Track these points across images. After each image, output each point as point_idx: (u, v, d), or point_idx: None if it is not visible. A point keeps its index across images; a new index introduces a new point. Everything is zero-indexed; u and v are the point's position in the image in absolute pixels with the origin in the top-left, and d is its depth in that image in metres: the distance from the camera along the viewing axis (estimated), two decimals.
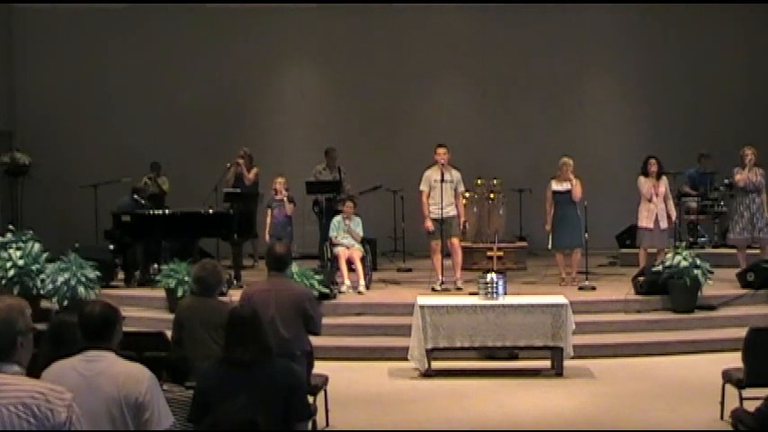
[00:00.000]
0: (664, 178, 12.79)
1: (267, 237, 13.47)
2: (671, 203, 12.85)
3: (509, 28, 16.95)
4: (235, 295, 9.97)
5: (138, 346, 5.99)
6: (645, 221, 12.64)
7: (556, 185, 12.59)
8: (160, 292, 11.66)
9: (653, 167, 12.63)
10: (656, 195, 12.61)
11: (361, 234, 12.79)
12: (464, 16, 17.03)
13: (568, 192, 12.46)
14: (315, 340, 7.54)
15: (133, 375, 4.18)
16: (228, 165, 14.06)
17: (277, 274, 7.22)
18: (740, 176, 12.82)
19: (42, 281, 11.37)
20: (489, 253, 13.71)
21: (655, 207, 12.59)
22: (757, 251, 13.01)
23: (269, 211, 13.85)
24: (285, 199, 13.72)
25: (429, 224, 12.31)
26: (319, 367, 7.96)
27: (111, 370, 4.18)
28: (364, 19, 16.87)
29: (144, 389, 4.14)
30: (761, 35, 17.00)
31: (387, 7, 16.74)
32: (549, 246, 12.67)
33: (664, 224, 12.62)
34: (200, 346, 6.59)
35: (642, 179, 12.68)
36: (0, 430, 3.35)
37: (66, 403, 3.44)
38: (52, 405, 3.41)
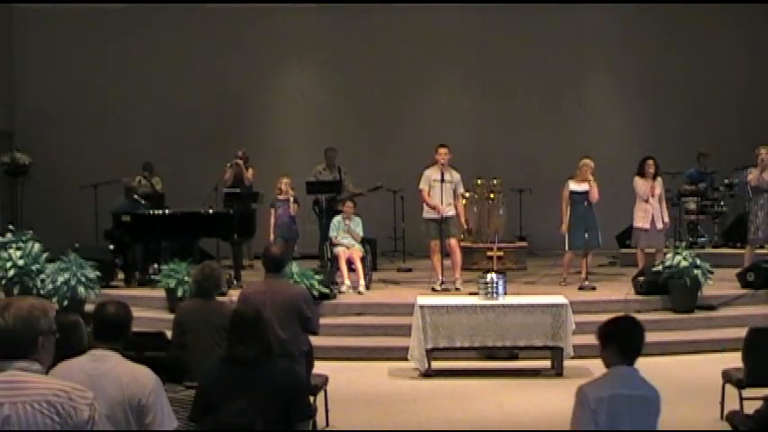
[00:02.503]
0: (659, 179, 12.77)
1: (272, 236, 13.49)
2: (665, 205, 12.83)
3: (509, 28, 16.95)
4: (234, 295, 9.99)
5: (138, 346, 5.99)
6: (641, 222, 12.62)
7: (574, 185, 12.54)
8: (160, 292, 11.66)
9: (651, 168, 12.61)
10: (653, 196, 12.59)
11: (361, 234, 12.79)
12: (464, 16, 17.03)
13: (586, 192, 12.43)
14: (315, 340, 7.55)
15: (137, 377, 4.19)
16: (229, 165, 14.07)
17: (273, 275, 7.24)
18: (752, 176, 12.77)
19: (42, 281, 11.37)
20: (489, 253, 13.70)
21: (651, 208, 12.57)
22: (764, 251, 12.97)
23: (272, 211, 13.86)
24: (291, 199, 13.73)
25: (433, 202, 12.24)
26: (319, 367, 7.96)
27: (116, 371, 4.19)
28: (364, 19, 16.87)
29: (148, 391, 4.14)
30: (761, 35, 17.00)
31: (387, 7, 16.74)
32: (567, 247, 12.63)
33: (659, 224, 12.60)
34: (204, 348, 6.62)
35: (639, 180, 12.64)
36: (24, 429, 3.36)
37: (89, 402, 3.45)
38: (75, 403, 3.42)
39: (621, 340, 4.52)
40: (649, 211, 12.56)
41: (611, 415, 4.34)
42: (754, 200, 12.90)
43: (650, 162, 12.65)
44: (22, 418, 3.36)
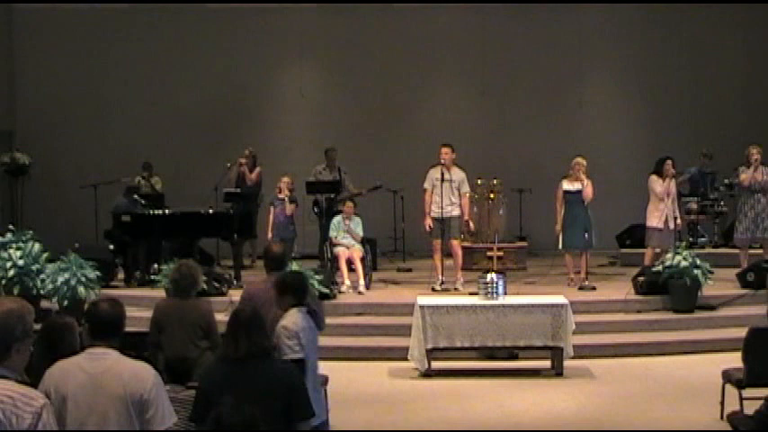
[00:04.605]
0: (673, 180, 12.76)
1: (270, 235, 13.47)
2: (676, 205, 12.83)
3: (509, 28, 16.95)
4: (234, 295, 10.00)
5: (137, 346, 6.01)
6: (656, 221, 12.56)
7: (567, 185, 12.51)
8: (160, 292, 11.62)
9: (671, 169, 12.57)
10: (668, 196, 12.58)
11: (361, 234, 12.79)
12: (464, 16, 17.04)
13: (579, 192, 12.40)
14: None
15: (138, 373, 4.22)
16: (229, 165, 14.05)
17: (276, 274, 7.23)
18: (745, 176, 12.77)
19: (42, 281, 11.36)
20: (489, 253, 13.67)
21: (666, 207, 12.55)
22: (760, 251, 12.98)
23: (271, 210, 13.85)
24: (286, 199, 13.69)
25: (428, 222, 12.32)
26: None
27: (116, 368, 4.21)
28: (364, 19, 16.87)
29: (149, 387, 4.17)
30: (761, 35, 17.00)
31: (387, 7, 16.74)
32: (560, 246, 12.63)
33: (672, 224, 12.60)
34: (178, 346, 6.65)
35: (656, 179, 12.56)
36: None
37: (34, 410, 3.47)
38: (19, 410, 3.44)
39: (295, 290, 6.17)
40: (664, 211, 12.52)
41: (308, 340, 6.03)
42: (744, 199, 12.92)
43: (669, 162, 12.60)
44: None
